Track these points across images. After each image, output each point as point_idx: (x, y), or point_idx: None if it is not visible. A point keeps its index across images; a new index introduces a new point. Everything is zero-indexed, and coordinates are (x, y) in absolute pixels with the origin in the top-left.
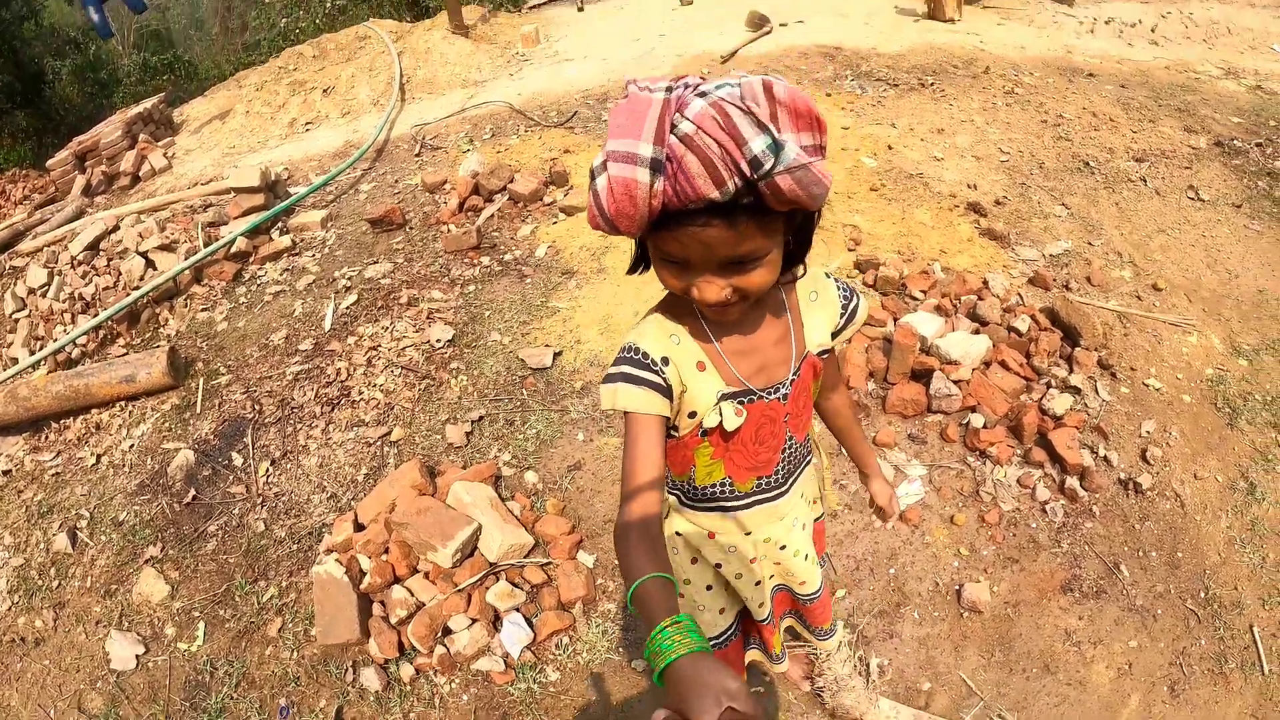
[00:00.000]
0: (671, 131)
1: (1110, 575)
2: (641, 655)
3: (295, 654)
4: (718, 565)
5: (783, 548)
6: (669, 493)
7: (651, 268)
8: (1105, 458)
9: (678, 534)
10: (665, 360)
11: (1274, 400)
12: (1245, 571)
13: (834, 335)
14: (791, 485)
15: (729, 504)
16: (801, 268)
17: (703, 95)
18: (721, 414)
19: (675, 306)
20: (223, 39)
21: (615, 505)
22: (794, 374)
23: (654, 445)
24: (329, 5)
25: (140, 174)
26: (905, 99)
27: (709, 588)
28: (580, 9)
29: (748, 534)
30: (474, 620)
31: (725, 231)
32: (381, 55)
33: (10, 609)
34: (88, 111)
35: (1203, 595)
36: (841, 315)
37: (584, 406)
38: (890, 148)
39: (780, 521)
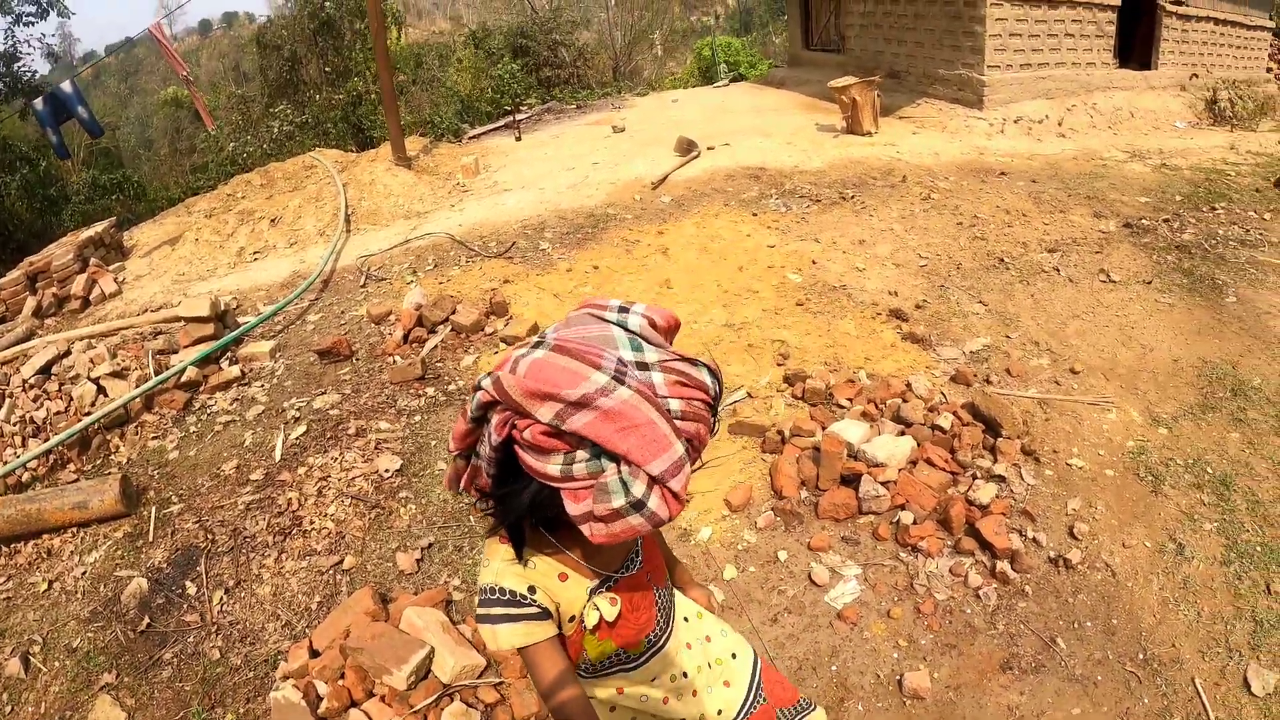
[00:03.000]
0: (672, 418)
1: (1048, 649)
2: None
3: None
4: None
5: (688, 673)
6: None
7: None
8: (1034, 539)
9: (591, 698)
10: (531, 589)
11: (1195, 463)
12: (1182, 628)
13: None
14: (672, 624)
15: (628, 667)
16: None
17: (644, 368)
18: (599, 608)
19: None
20: (171, 160)
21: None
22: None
23: (559, 659)
24: (276, 131)
25: (91, 298)
26: (828, 213)
27: None
28: (518, 138)
29: (653, 680)
30: None
31: None
32: (327, 185)
33: None
34: (36, 228)
35: (1141, 656)
36: None
37: None
38: (814, 262)
39: (677, 657)
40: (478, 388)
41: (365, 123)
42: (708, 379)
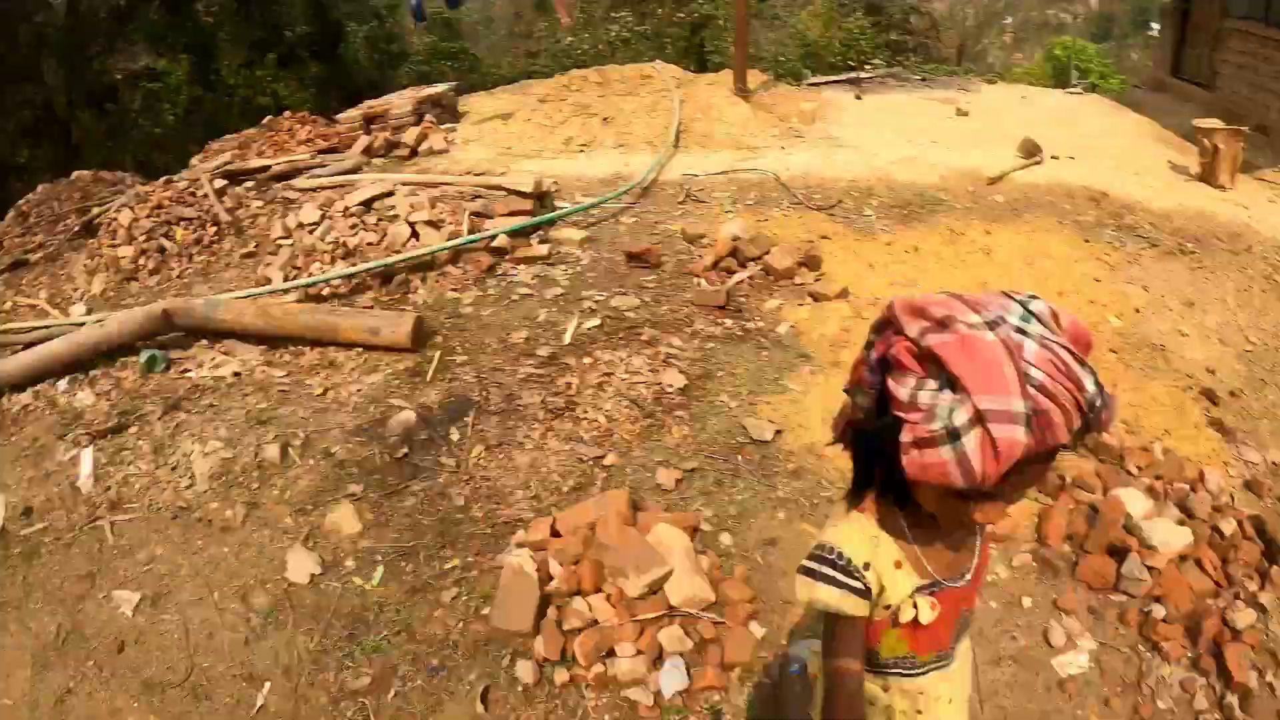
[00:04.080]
0: (1027, 381)
1: None
2: None
3: (461, 625)
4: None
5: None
6: None
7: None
8: (1270, 684)
9: None
10: (866, 565)
11: None
12: None
13: None
14: (959, 648)
15: (907, 673)
16: None
17: (1022, 334)
18: (917, 608)
19: (873, 506)
20: (506, 41)
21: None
22: (977, 556)
23: (857, 641)
24: (613, 35)
25: (419, 150)
26: (1161, 262)
27: None
28: (858, 97)
29: (920, 693)
30: (639, 652)
31: (1047, 465)
32: (663, 98)
33: (207, 492)
34: (374, 79)
35: None
36: None
37: (792, 489)
38: (1138, 311)
39: (941, 685)
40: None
41: (708, 46)
42: (1087, 379)
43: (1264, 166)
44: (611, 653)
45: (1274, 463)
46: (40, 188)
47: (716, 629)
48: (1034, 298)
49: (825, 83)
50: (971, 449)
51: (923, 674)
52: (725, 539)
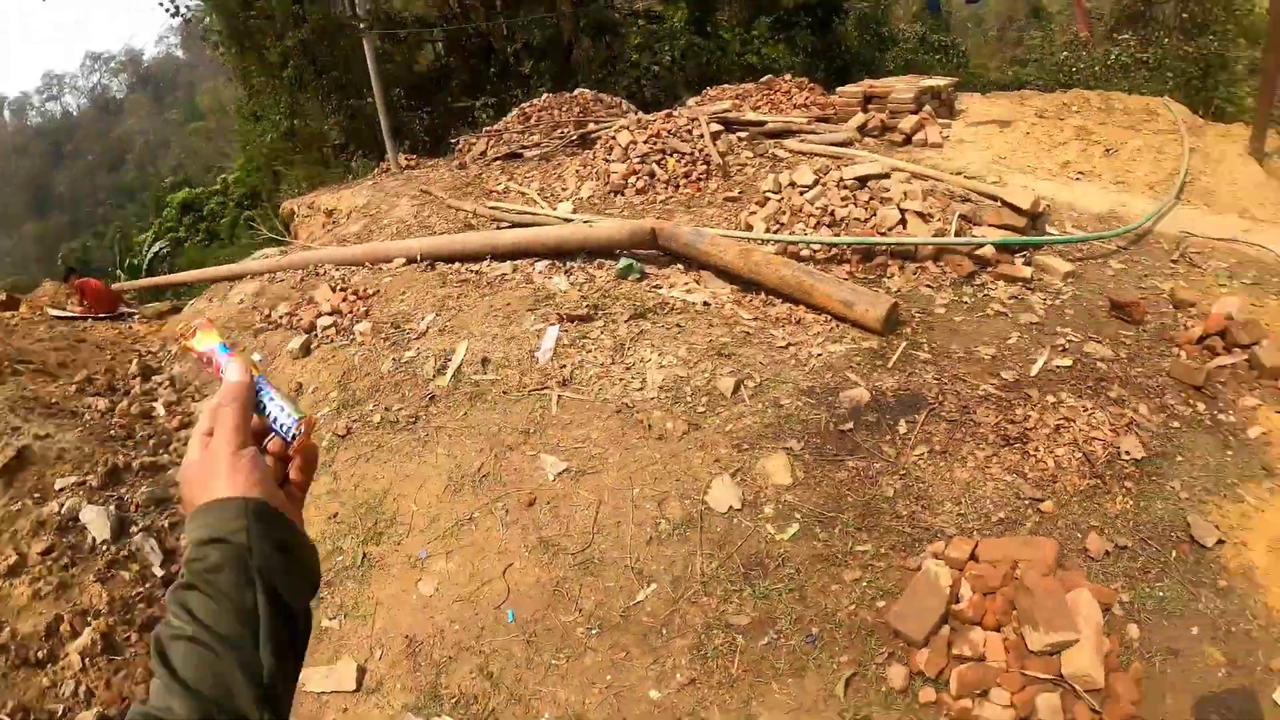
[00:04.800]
0: None
1: None
2: None
3: (852, 608)
4: None
5: None
6: None
7: None
8: None
9: None
10: None
11: None
12: None
13: None
14: None
15: None
16: None
17: None
18: None
19: None
20: (995, 42)
21: None
22: None
23: None
24: (1111, 58)
25: (913, 139)
26: None
27: None
28: None
29: None
30: (1012, 705)
31: None
32: (1170, 140)
33: (654, 399)
34: (863, 58)
35: None
36: None
37: (1214, 606)
38: None
39: None
40: None
41: (1222, 91)
42: None
43: None
44: (986, 694)
45: None
46: (545, 95)
47: (1091, 716)
48: None
49: None
50: None
51: None
52: (1132, 630)
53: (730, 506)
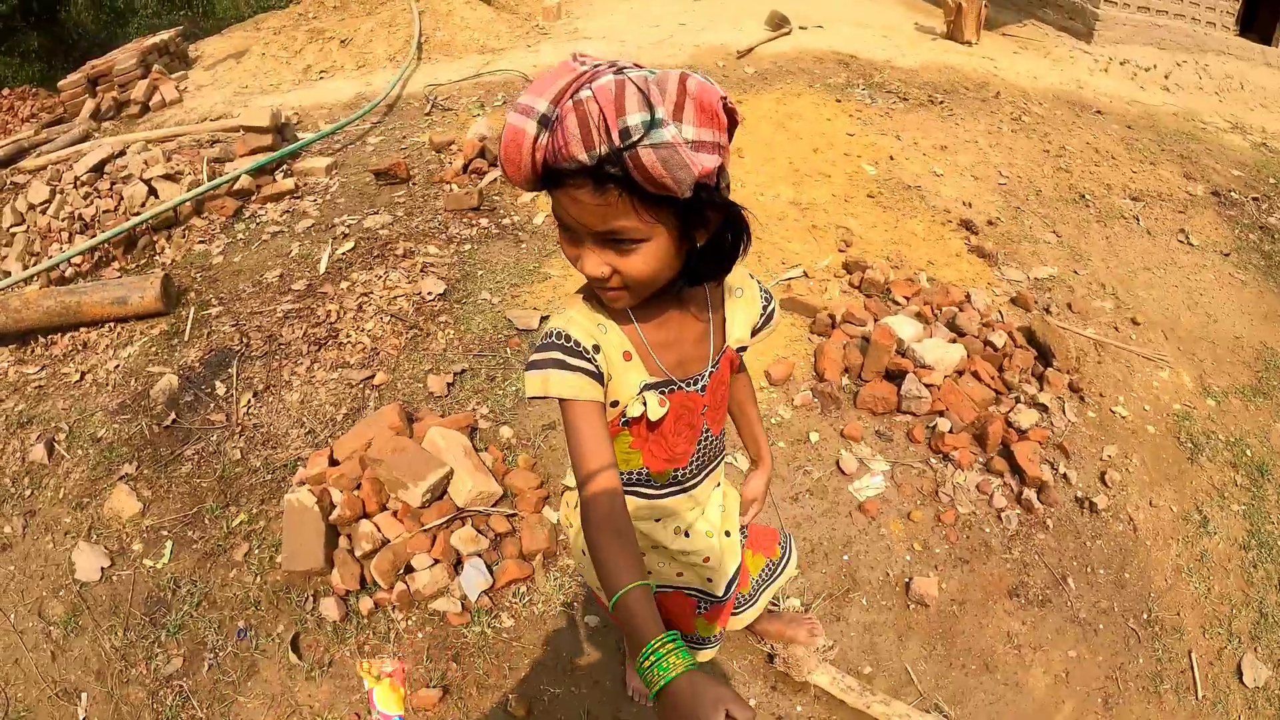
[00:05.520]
0: (569, 96)
1: (1057, 586)
2: (596, 613)
3: (258, 579)
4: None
5: (695, 534)
6: None
7: None
8: (1065, 475)
9: None
10: (596, 348)
11: (1236, 442)
12: (1189, 599)
13: (753, 334)
14: (705, 476)
15: (645, 492)
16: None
17: (620, 73)
18: (645, 404)
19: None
20: None
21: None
22: (713, 366)
23: (601, 430)
24: None
25: (150, 104)
26: (913, 114)
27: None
28: None
29: (657, 520)
30: (436, 561)
31: (593, 197)
32: (402, 12)
33: None
34: (100, 39)
35: (1145, 616)
36: (761, 315)
37: None
38: (892, 158)
39: (695, 508)
40: None
41: None
42: (635, 113)
43: (1008, 23)
44: (410, 568)
45: (1035, 278)
46: None
47: (510, 522)
48: (685, 71)
49: None
50: (501, 135)
51: (661, 496)
52: (505, 432)
53: (101, 569)
